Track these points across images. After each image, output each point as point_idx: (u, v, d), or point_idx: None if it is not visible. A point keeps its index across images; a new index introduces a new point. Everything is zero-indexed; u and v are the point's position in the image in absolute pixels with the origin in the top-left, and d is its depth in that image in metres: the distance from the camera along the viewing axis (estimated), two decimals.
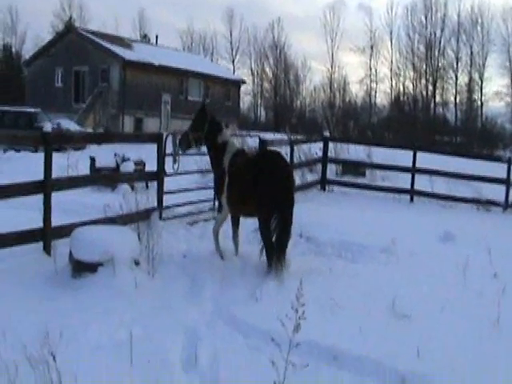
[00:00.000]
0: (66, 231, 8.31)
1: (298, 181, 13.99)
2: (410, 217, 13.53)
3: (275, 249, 8.19)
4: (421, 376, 5.17)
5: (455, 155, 19.82)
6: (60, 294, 6.86)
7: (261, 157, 9.04)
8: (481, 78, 75.00)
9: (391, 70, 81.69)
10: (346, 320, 6.39)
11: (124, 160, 16.67)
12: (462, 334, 6.22)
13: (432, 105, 76.76)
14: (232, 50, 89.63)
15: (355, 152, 21.17)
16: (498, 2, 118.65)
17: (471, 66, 75.26)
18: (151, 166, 11.55)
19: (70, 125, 33.92)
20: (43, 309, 6.30)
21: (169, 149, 10.64)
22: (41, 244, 8.54)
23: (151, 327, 6.00)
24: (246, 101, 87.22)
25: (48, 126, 9.15)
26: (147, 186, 14.81)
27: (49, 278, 7.43)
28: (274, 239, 8.23)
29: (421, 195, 16.68)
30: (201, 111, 9.11)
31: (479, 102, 75.12)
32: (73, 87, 48.22)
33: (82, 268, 7.25)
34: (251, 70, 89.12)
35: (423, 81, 77.63)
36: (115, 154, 17.03)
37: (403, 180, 17.59)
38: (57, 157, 17.12)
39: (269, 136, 17.02)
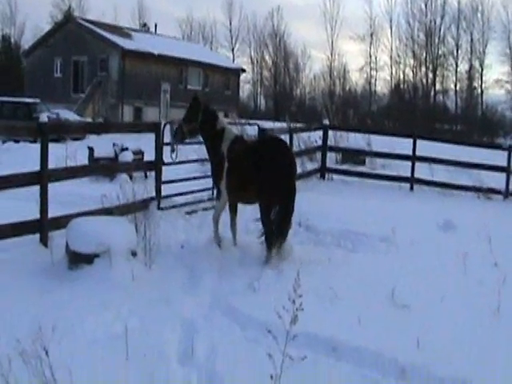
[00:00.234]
0: (62, 222, 8.23)
1: (297, 169, 13.89)
2: (410, 205, 13.46)
3: (276, 236, 8.15)
4: (421, 367, 5.11)
5: (455, 143, 19.73)
6: (56, 286, 6.78)
7: (263, 143, 9.13)
8: (481, 66, 74.73)
9: (391, 57, 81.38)
10: (345, 310, 6.33)
11: (123, 150, 16.61)
12: (463, 324, 6.17)
13: (432, 92, 76.45)
14: (231, 39, 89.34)
15: (355, 140, 21.07)
16: None
17: (471, 54, 74.95)
18: (150, 156, 11.48)
19: (69, 115, 33.85)
20: (39, 301, 6.24)
21: (167, 138, 10.55)
22: (37, 235, 8.48)
23: (148, 319, 5.93)
24: (245, 89, 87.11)
25: (44, 117, 9.08)
26: (146, 176, 14.78)
27: (45, 270, 7.36)
28: (274, 227, 8.19)
29: (421, 183, 16.60)
30: (194, 101, 9.03)
31: (479, 90, 74.91)
32: (72, 77, 48.07)
33: (78, 259, 7.18)
34: (251, 59, 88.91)
35: (423, 68, 77.32)
36: (114, 144, 16.98)
37: (403, 168, 17.51)
38: (56, 147, 17.16)
39: (268, 124, 16.98)
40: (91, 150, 16.67)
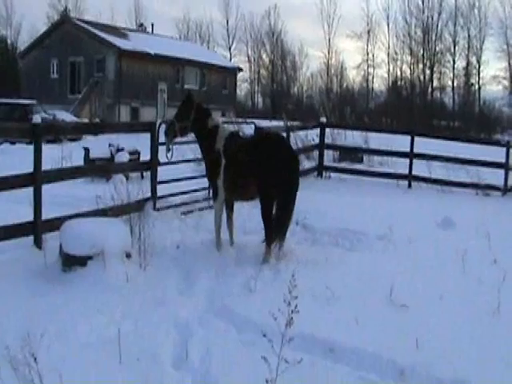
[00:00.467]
0: (56, 224, 8.12)
1: None
2: (408, 203, 13.39)
3: (275, 232, 8.14)
4: (420, 368, 5.03)
5: (453, 139, 19.68)
6: (49, 289, 6.68)
7: (264, 138, 9.11)
8: (478, 62, 74.66)
9: (388, 54, 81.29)
10: (343, 310, 6.24)
11: (119, 150, 16.52)
12: (462, 323, 6.09)
13: (429, 89, 76.40)
14: (228, 38, 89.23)
15: (352, 138, 21.01)
16: None
17: (468, 50, 74.86)
18: (146, 156, 11.37)
19: (65, 116, 33.75)
20: (31, 305, 6.13)
21: (162, 138, 10.44)
22: (31, 238, 8.37)
23: (142, 322, 5.84)
24: (243, 88, 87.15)
25: (38, 118, 8.98)
26: (142, 176, 14.66)
27: (38, 273, 7.25)
28: (274, 222, 8.16)
29: (419, 180, 16.54)
30: (186, 99, 8.95)
31: (477, 86, 74.86)
32: (68, 78, 47.96)
33: (71, 262, 7.08)
34: (248, 58, 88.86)
35: (420, 65, 77.19)
36: (109, 145, 16.89)
37: (401, 165, 17.46)
38: (52, 148, 17.12)
39: (265, 123, 16.90)
40: (87, 150, 16.58)
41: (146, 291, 6.76)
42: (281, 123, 19.92)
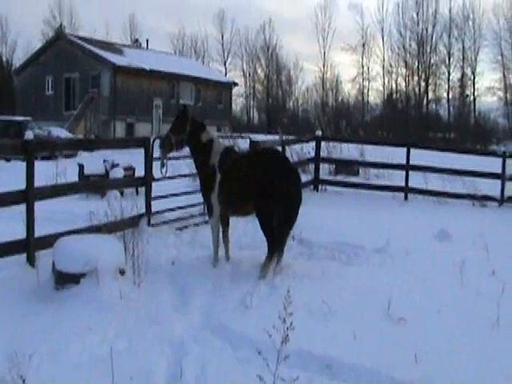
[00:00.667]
0: (49, 241, 8.02)
1: None
2: (405, 215, 13.32)
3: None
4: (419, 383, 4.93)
5: (449, 151, 19.66)
6: (42, 308, 6.56)
7: (261, 153, 9.12)
8: (473, 73, 75.06)
9: (383, 67, 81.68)
10: (340, 326, 6.14)
11: (113, 166, 16.45)
12: (461, 336, 6.01)
13: (425, 101, 76.76)
14: (224, 53, 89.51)
15: (348, 151, 20.98)
16: None
17: (463, 61, 75.28)
18: (141, 172, 11.29)
19: (60, 132, 33.71)
20: (23, 325, 6.02)
21: (157, 153, 10.37)
22: (24, 255, 8.27)
23: (135, 340, 5.73)
24: (238, 103, 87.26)
25: (30, 134, 8.92)
26: (137, 192, 14.58)
27: (31, 291, 7.14)
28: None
29: (415, 192, 16.48)
30: (181, 113, 8.88)
31: (472, 98, 75.12)
32: (63, 94, 47.99)
33: (64, 280, 6.97)
34: (243, 72, 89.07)
35: (415, 77, 77.63)
36: (104, 161, 16.82)
37: (397, 177, 17.41)
38: (46, 165, 17.02)
39: (260, 137, 16.87)
40: (81, 166, 16.51)
41: (140, 308, 6.66)
42: (276, 137, 19.87)
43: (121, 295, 6.76)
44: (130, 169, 16.81)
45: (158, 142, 10.38)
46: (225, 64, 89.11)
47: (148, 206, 10.63)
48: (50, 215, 10.88)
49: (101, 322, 6.08)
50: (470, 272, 8.08)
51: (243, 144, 17.42)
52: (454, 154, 18.84)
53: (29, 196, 8.26)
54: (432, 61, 76.83)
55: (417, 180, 16.77)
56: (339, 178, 19.58)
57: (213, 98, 56.28)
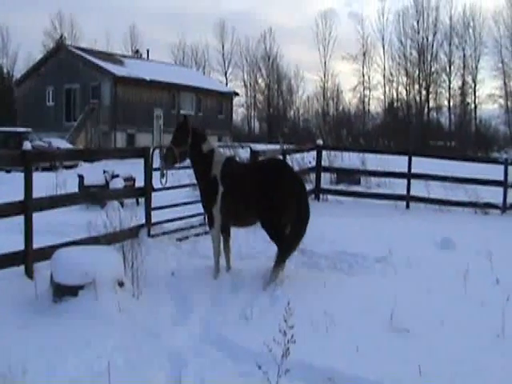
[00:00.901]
0: (48, 253, 7.91)
1: None
2: (407, 223, 13.22)
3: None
4: None
5: (451, 159, 19.56)
6: (39, 320, 6.46)
7: (265, 163, 9.20)
8: (474, 81, 75.06)
9: (384, 76, 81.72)
10: (342, 337, 6.03)
11: (113, 177, 16.38)
12: (465, 348, 5.89)
13: (426, 110, 76.72)
14: (224, 63, 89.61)
15: (349, 160, 20.90)
16: (490, 4, 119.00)
17: (464, 69, 75.28)
18: (142, 182, 11.19)
19: (61, 143, 33.67)
20: (20, 339, 5.91)
21: (156, 163, 10.29)
22: (22, 267, 8.17)
23: (134, 354, 5.60)
24: (239, 113, 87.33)
25: (27, 145, 8.85)
26: (138, 203, 14.49)
27: (29, 304, 7.03)
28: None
29: (417, 201, 16.38)
30: (182, 123, 8.79)
31: (473, 105, 75.13)
32: (64, 105, 47.99)
33: (62, 292, 6.86)
34: (244, 82, 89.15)
35: (416, 86, 77.61)
36: (104, 171, 16.76)
37: (399, 186, 17.32)
38: (47, 176, 16.96)
39: (260, 147, 16.78)
40: (81, 177, 16.44)
41: (139, 321, 6.55)
42: (277, 147, 19.79)
43: (119, 308, 6.65)
44: (130, 179, 16.73)
45: (157, 151, 10.33)
46: (225, 74, 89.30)
47: (148, 216, 10.53)
48: (50, 226, 10.81)
49: (99, 335, 5.97)
50: (473, 281, 7.98)
51: (244, 153, 17.35)
52: (455, 161, 18.74)
53: (27, 207, 8.17)
54: (433, 69, 76.92)
55: (418, 188, 16.67)
56: (340, 187, 19.51)
57: (213, 108, 56.29)
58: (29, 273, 8.14)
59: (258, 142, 49.74)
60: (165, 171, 9.27)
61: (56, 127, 45.03)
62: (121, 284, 7.14)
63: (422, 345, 5.90)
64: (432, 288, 7.90)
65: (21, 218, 8.23)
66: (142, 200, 12.62)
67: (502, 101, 74.16)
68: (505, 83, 73.23)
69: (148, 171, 10.63)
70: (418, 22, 77.42)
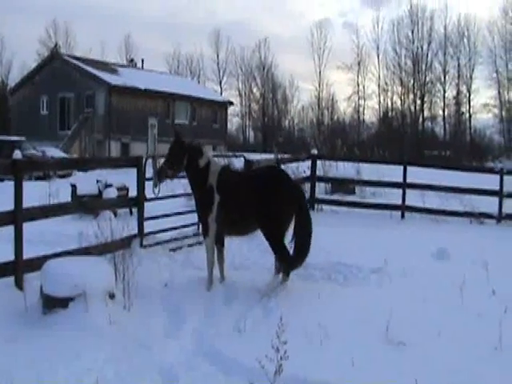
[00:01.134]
0: (38, 264, 7.76)
1: None
2: (402, 234, 13.13)
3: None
4: None
5: (446, 168, 19.48)
6: (28, 332, 6.33)
7: (263, 171, 9.10)
8: (468, 91, 75.17)
9: (379, 85, 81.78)
10: (337, 350, 5.92)
11: (107, 186, 16.24)
12: (462, 361, 5.80)
13: (420, 119, 76.80)
14: (219, 72, 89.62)
15: (344, 169, 20.82)
16: (484, 14, 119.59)
17: (459, 79, 75.41)
18: (135, 192, 11.07)
19: (54, 152, 33.49)
20: (8, 351, 5.78)
21: (149, 173, 10.18)
22: (12, 278, 8.03)
23: (124, 368, 5.48)
24: (234, 122, 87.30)
25: (18, 154, 8.74)
26: (131, 212, 14.36)
27: (18, 316, 6.89)
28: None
29: (412, 211, 16.29)
30: (177, 144, 8.70)
31: (467, 115, 75.26)
32: (58, 114, 47.84)
33: (52, 304, 6.73)
34: (239, 91, 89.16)
35: (411, 95, 77.67)
36: (97, 181, 16.61)
37: (394, 196, 17.24)
38: (40, 185, 16.82)
39: (255, 156, 16.71)
40: (74, 187, 16.30)
41: (130, 333, 6.42)
42: (272, 156, 19.72)
43: (110, 320, 6.52)
44: (123, 189, 16.58)
45: (150, 161, 10.21)
46: (220, 83, 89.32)
47: (140, 226, 10.40)
48: (42, 236, 10.69)
49: (89, 349, 5.84)
50: (470, 292, 7.90)
51: (238, 163, 17.24)
52: (450, 171, 18.67)
53: (17, 217, 8.04)
54: (427, 78, 77.03)
55: (414, 198, 16.59)
56: (335, 196, 19.42)
57: (208, 117, 56.20)
58: (19, 284, 8.00)
59: (252, 151, 49.79)
60: (158, 182, 9.18)
61: (50, 136, 44.85)
62: (112, 296, 7.01)
63: (419, 357, 5.81)
64: (428, 299, 7.82)
65: (10, 228, 8.11)
66: (135, 210, 12.52)
67: (496, 110, 74.31)
68: (499, 93, 73.39)
69: (141, 181, 10.51)
70: (412, 31, 77.65)
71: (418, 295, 7.99)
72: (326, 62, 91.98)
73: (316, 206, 17.29)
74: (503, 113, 72.93)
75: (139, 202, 10.54)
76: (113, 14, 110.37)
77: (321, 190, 19.52)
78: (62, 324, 6.41)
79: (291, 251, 8.23)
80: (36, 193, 12.95)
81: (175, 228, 11.50)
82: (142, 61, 62.51)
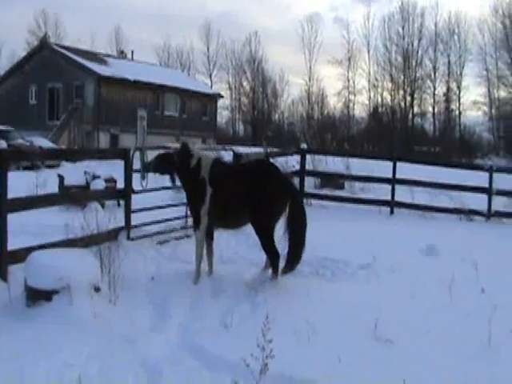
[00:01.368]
0: (22, 255, 7.63)
1: None
2: (391, 229, 13.09)
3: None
4: None
5: (435, 165, 19.46)
6: (10, 325, 6.20)
7: (254, 164, 9.14)
8: (458, 88, 75.37)
9: (369, 81, 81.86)
10: (324, 347, 5.83)
11: (94, 177, 16.11)
12: (451, 359, 5.75)
13: (410, 115, 76.93)
14: (209, 65, 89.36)
15: (334, 164, 20.76)
16: (475, 11, 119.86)
17: (449, 76, 75.60)
18: (123, 184, 10.95)
19: (42, 142, 33.19)
20: None
21: (137, 165, 10.06)
22: None
23: (108, 362, 5.36)
24: (224, 115, 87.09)
25: (2, 143, 8.59)
26: (119, 204, 14.24)
27: (1, 308, 6.72)
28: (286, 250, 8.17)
29: (401, 206, 16.27)
30: (167, 159, 8.90)
31: (457, 112, 75.44)
32: (47, 104, 47.50)
33: (36, 296, 6.62)
34: (229, 85, 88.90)
35: (401, 92, 77.77)
36: (85, 172, 16.48)
37: (383, 191, 17.20)
38: (28, 175, 16.65)
39: (244, 149, 16.62)
40: (61, 178, 16.14)
41: (115, 328, 6.32)
42: (261, 150, 19.62)
43: (95, 313, 6.42)
44: (111, 180, 16.44)
45: (137, 153, 10.09)
46: (210, 76, 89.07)
47: (127, 219, 10.28)
48: (27, 228, 10.54)
49: (72, 342, 5.72)
50: (459, 289, 7.86)
51: (227, 156, 17.14)
52: (439, 167, 18.66)
53: (1, 208, 7.90)
54: (417, 75, 77.16)
55: (403, 194, 16.57)
56: (324, 191, 19.34)
57: (198, 110, 55.95)
58: (3, 276, 7.85)
59: (242, 144, 49.61)
60: (145, 174, 9.12)
61: (39, 126, 44.49)
62: (97, 289, 6.90)
63: (407, 356, 5.74)
64: (416, 295, 7.77)
65: None
66: (122, 201, 12.40)
67: (485, 108, 74.54)
68: (489, 90, 73.58)
69: (128, 173, 10.39)
70: (403, 27, 77.70)
71: (406, 292, 7.93)
72: (317, 56, 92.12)
73: (305, 200, 17.20)
74: (493, 110, 73.16)
75: (126, 194, 10.42)
76: (103, 6, 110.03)
77: (310, 184, 19.45)
78: (46, 317, 6.31)
79: (286, 245, 8.17)
80: (23, 183, 12.80)
81: (162, 221, 11.38)
82: (132, 52, 62.18)
